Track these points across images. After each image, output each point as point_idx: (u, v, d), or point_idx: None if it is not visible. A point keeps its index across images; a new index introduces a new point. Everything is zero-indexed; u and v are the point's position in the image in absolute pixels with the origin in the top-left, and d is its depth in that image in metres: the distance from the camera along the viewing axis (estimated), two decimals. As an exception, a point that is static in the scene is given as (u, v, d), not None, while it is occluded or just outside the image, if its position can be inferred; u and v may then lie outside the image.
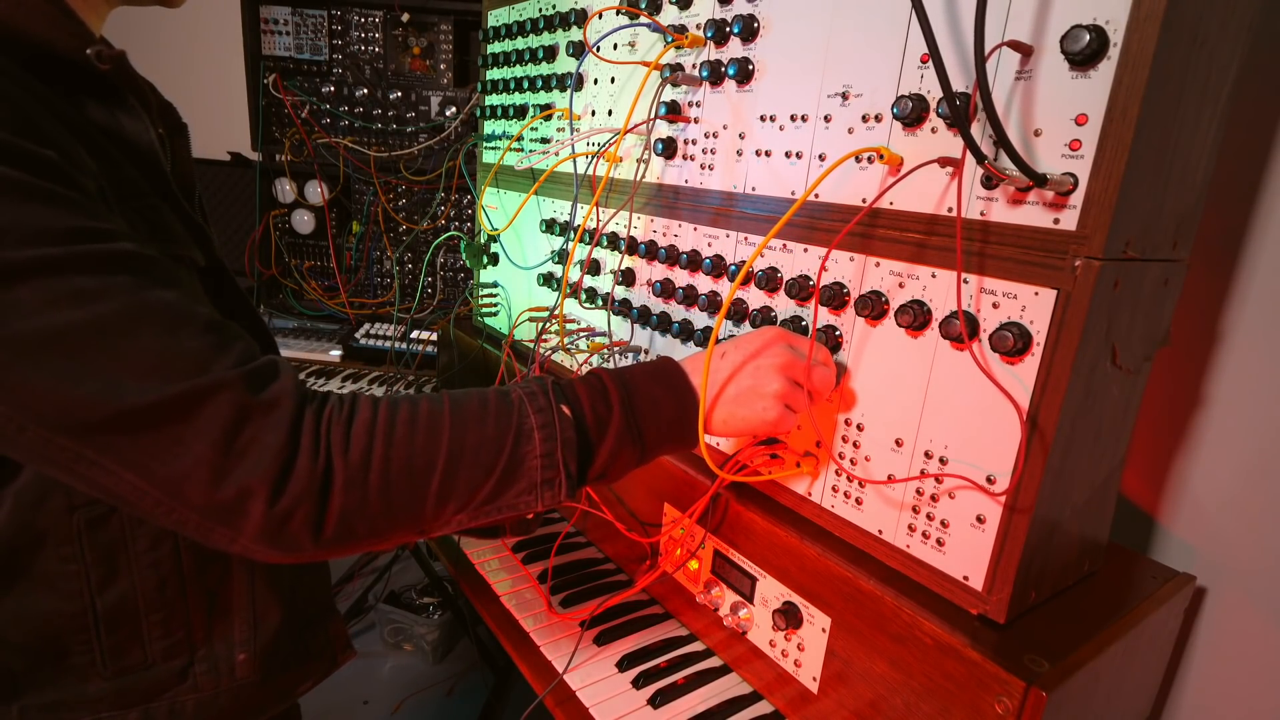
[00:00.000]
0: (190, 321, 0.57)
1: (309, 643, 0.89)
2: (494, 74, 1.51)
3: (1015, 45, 0.63)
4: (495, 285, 1.60)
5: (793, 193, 0.87)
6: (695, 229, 1.02)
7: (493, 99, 1.52)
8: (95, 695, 0.73)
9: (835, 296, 0.81)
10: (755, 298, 0.92)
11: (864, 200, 0.78)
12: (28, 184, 0.52)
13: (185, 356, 0.55)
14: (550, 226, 1.34)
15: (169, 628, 0.75)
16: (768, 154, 0.89)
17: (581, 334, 1.23)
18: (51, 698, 0.71)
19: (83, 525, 0.68)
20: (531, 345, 1.31)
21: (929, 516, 0.75)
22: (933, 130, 0.71)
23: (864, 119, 0.78)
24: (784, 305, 0.89)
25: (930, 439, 0.74)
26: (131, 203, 0.65)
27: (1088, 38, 0.58)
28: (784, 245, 0.88)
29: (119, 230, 0.57)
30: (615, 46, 1.13)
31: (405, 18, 1.94)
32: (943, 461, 0.73)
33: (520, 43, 1.40)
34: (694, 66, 0.98)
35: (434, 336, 1.88)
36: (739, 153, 0.93)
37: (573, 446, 0.66)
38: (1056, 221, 0.63)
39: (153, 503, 0.54)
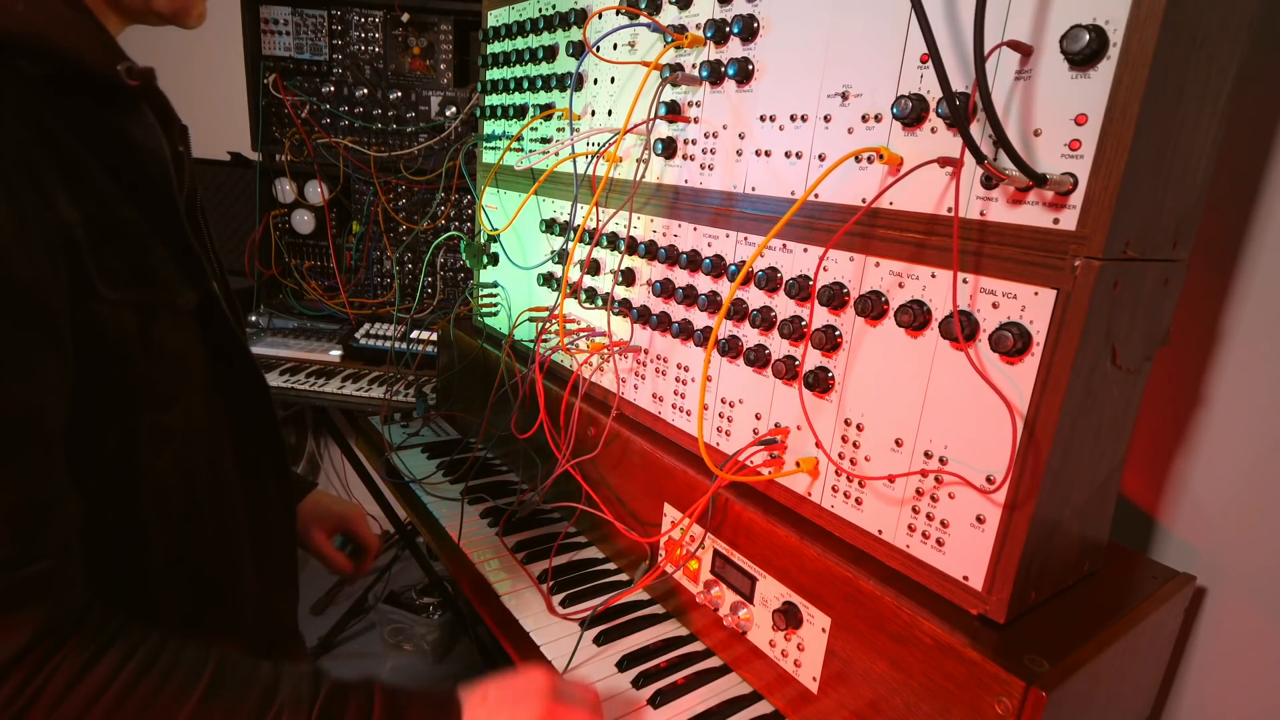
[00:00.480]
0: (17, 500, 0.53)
1: (276, 642, 0.89)
2: (494, 74, 1.51)
3: (1015, 45, 0.63)
4: (495, 285, 1.60)
5: (792, 193, 0.87)
6: (695, 229, 1.02)
7: (493, 99, 1.52)
8: None
9: (835, 296, 0.81)
10: (755, 298, 0.92)
11: (864, 200, 0.78)
12: None
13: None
14: (550, 226, 1.34)
15: (175, 587, 0.74)
16: (767, 154, 0.89)
17: (581, 334, 1.23)
18: None
19: None
20: (531, 345, 1.31)
21: (929, 516, 0.75)
22: (932, 130, 0.71)
23: (864, 119, 0.78)
24: (784, 305, 0.89)
25: (930, 439, 0.74)
26: (114, 245, 0.63)
27: (1087, 38, 0.58)
28: (784, 245, 0.88)
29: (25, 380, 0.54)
30: (615, 46, 1.13)
31: (405, 18, 1.94)
32: (942, 461, 0.73)
33: (520, 43, 1.40)
34: (694, 66, 0.98)
35: (434, 336, 1.88)
36: (739, 153, 0.93)
37: None
38: (1056, 221, 0.63)
39: None
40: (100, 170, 0.63)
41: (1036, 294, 0.64)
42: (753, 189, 0.92)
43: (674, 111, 1.01)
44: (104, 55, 0.62)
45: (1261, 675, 0.94)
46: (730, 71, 0.91)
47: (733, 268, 0.95)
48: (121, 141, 0.66)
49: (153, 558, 0.72)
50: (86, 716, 0.53)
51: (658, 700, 0.92)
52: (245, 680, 0.61)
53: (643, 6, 1.04)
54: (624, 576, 1.17)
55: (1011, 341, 0.65)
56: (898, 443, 0.77)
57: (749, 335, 0.94)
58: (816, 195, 0.83)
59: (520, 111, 1.42)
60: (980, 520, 0.71)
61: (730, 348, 0.96)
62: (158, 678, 0.57)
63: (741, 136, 0.93)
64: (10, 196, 0.52)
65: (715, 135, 0.97)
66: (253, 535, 0.84)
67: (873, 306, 0.77)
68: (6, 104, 0.55)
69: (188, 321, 0.72)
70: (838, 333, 0.82)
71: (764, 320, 0.90)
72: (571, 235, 1.26)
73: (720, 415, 1.00)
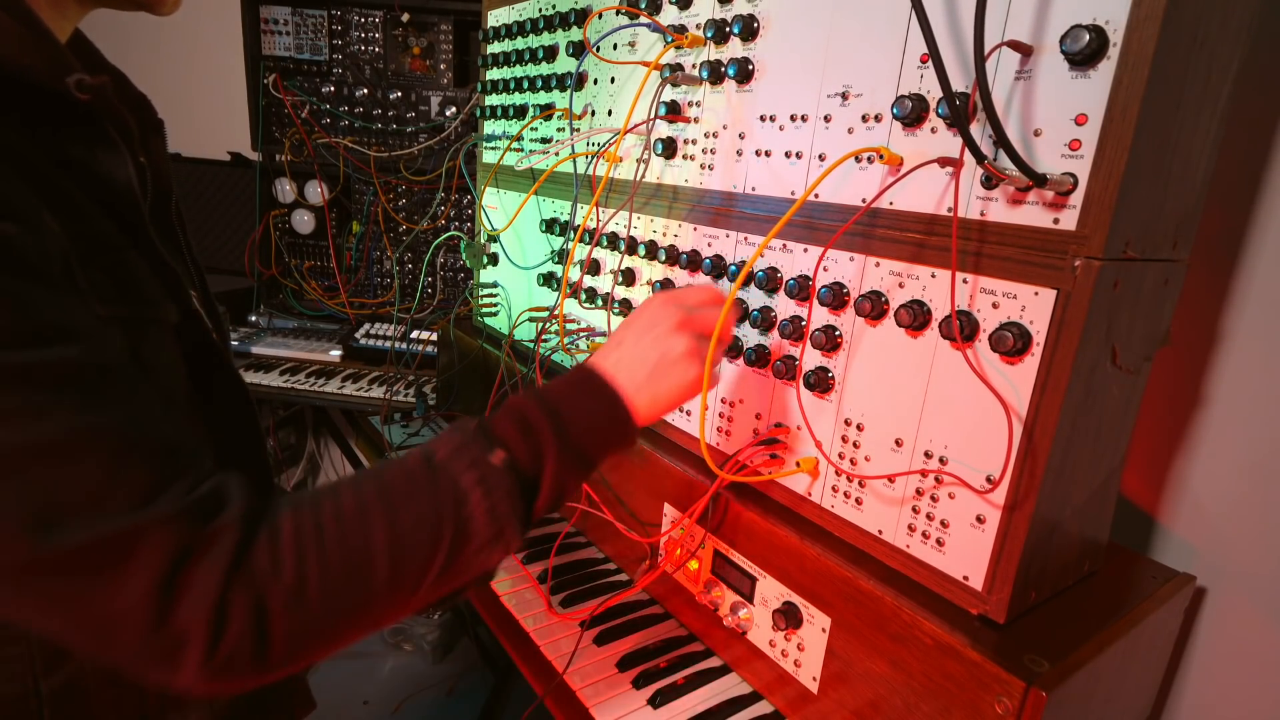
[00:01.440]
0: (139, 446, 0.52)
1: (266, 701, 0.86)
2: (494, 74, 1.51)
3: (1015, 45, 0.63)
4: (495, 285, 1.60)
5: (792, 193, 0.87)
6: (695, 229, 1.02)
7: (493, 99, 1.52)
8: None
9: (835, 296, 0.81)
10: (755, 297, 0.92)
11: (864, 200, 0.78)
12: None
13: (128, 488, 0.50)
14: (550, 226, 1.34)
15: (120, 706, 0.71)
16: (768, 154, 0.89)
17: (581, 334, 1.23)
18: None
19: None
20: (531, 345, 1.31)
21: (929, 516, 0.75)
22: (932, 130, 0.71)
23: (864, 119, 0.78)
24: (784, 305, 0.89)
25: (930, 439, 0.74)
26: (99, 260, 0.60)
27: (1088, 38, 0.58)
28: (784, 245, 0.88)
29: (77, 323, 0.53)
30: (615, 46, 1.13)
31: (405, 18, 1.94)
32: (942, 461, 0.73)
33: (520, 43, 1.40)
34: (694, 66, 0.98)
35: (434, 336, 1.88)
36: (739, 153, 0.93)
37: (515, 494, 0.62)
38: (1056, 221, 0.63)
39: (81, 643, 0.50)
40: (71, 185, 0.60)
41: (1036, 294, 0.64)
42: (753, 189, 0.92)
43: (674, 111, 1.01)
44: (50, 68, 0.57)
45: (1261, 675, 0.94)
46: (730, 71, 0.91)
47: (733, 268, 0.95)
48: (85, 157, 0.63)
49: None
50: (304, 569, 0.53)
51: (657, 700, 0.92)
52: (400, 467, 0.61)
53: (643, 6, 1.04)
54: (624, 576, 1.17)
55: (1011, 341, 0.65)
56: (898, 443, 0.77)
57: (749, 335, 0.94)
58: (816, 195, 0.83)
59: (520, 111, 1.42)
60: (980, 520, 0.71)
61: (730, 348, 0.96)
62: (331, 508, 0.57)
63: (742, 136, 0.93)
64: (3, 209, 0.51)
65: (715, 135, 0.97)
66: None
67: (873, 306, 0.77)
68: None
69: (172, 337, 0.70)
70: (838, 333, 0.82)
71: (764, 320, 0.90)
72: (571, 235, 1.26)
73: (720, 415, 1.00)
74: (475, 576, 0.63)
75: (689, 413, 1.06)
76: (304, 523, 0.55)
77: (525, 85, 1.39)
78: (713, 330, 0.74)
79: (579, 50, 1.24)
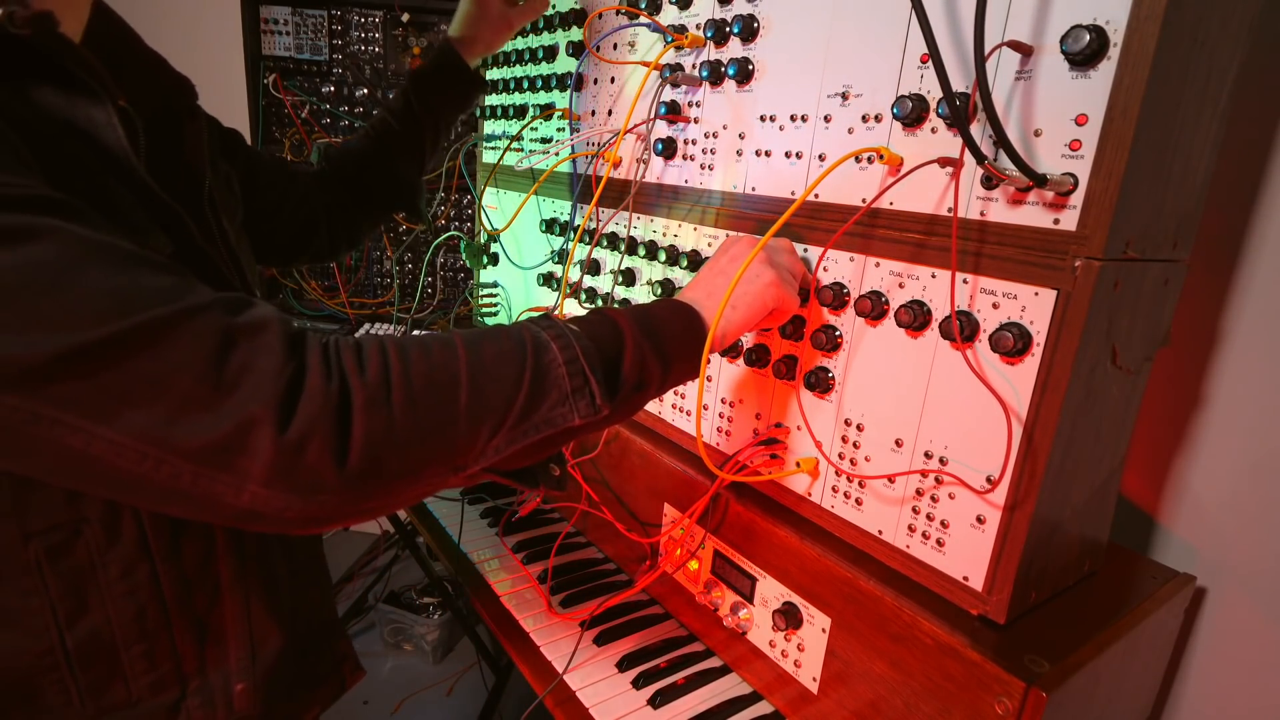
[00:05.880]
0: (145, 260, 0.49)
1: (315, 666, 0.84)
2: (494, 74, 1.51)
3: (1015, 45, 0.63)
4: (495, 285, 1.60)
5: (792, 193, 0.87)
6: (695, 229, 1.01)
7: (492, 99, 1.52)
8: None
9: (835, 296, 0.81)
10: (755, 298, 0.92)
11: (864, 200, 0.78)
12: None
13: (145, 292, 0.47)
14: (550, 226, 1.34)
15: (154, 660, 0.69)
16: (767, 154, 0.89)
17: (581, 334, 1.23)
18: None
19: (41, 555, 0.62)
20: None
21: (929, 517, 0.75)
22: (933, 130, 0.71)
23: (864, 119, 0.78)
24: (784, 305, 0.89)
25: (930, 439, 0.74)
26: (75, 185, 0.55)
27: (1088, 38, 0.58)
28: (784, 245, 0.88)
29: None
30: (615, 46, 1.13)
31: (405, 18, 1.94)
32: (943, 462, 0.73)
33: (520, 43, 1.40)
34: (694, 66, 0.98)
35: (434, 336, 1.87)
36: (739, 153, 0.93)
37: (593, 354, 0.62)
38: (1056, 222, 0.63)
39: (136, 459, 0.46)
40: (50, 128, 0.58)
41: (1037, 294, 0.64)
42: (753, 189, 0.92)
43: (674, 111, 1.01)
44: None
45: (1261, 675, 0.94)
46: (730, 71, 0.91)
47: (733, 268, 0.95)
48: (64, 105, 0.59)
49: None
50: (389, 372, 0.52)
51: (658, 700, 0.92)
52: (482, 327, 0.62)
53: (643, 6, 1.03)
54: (624, 576, 1.17)
55: (1012, 342, 0.64)
56: (898, 443, 0.77)
57: (749, 335, 0.94)
58: (816, 195, 0.83)
59: (520, 111, 1.42)
60: (980, 520, 0.71)
61: (730, 348, 0.96)
62: (414, 339, 0.56)
63: (741, 136, 0.93)
64: None
65: (715, 135, 0.97)
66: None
67: (873, 306, 0.77)
68: None
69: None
70: (838, 333, 0.82)
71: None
72: (571, 235, 1.26)
73: (720, 415, 1.00)
74: (557, 435, 0.60)
75: (689, 413, 1.06)
76: (390, 341, 0.55)
77: (525, 85, 1.39)
78: (790, 268, 0.80)
79: (579, 50, 1.24)
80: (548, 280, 1.38)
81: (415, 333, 0.59)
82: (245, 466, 0.47)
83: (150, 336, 0.46)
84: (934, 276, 0.72)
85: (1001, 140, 0.60)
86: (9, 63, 0.55)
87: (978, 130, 0.67)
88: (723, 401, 0.99)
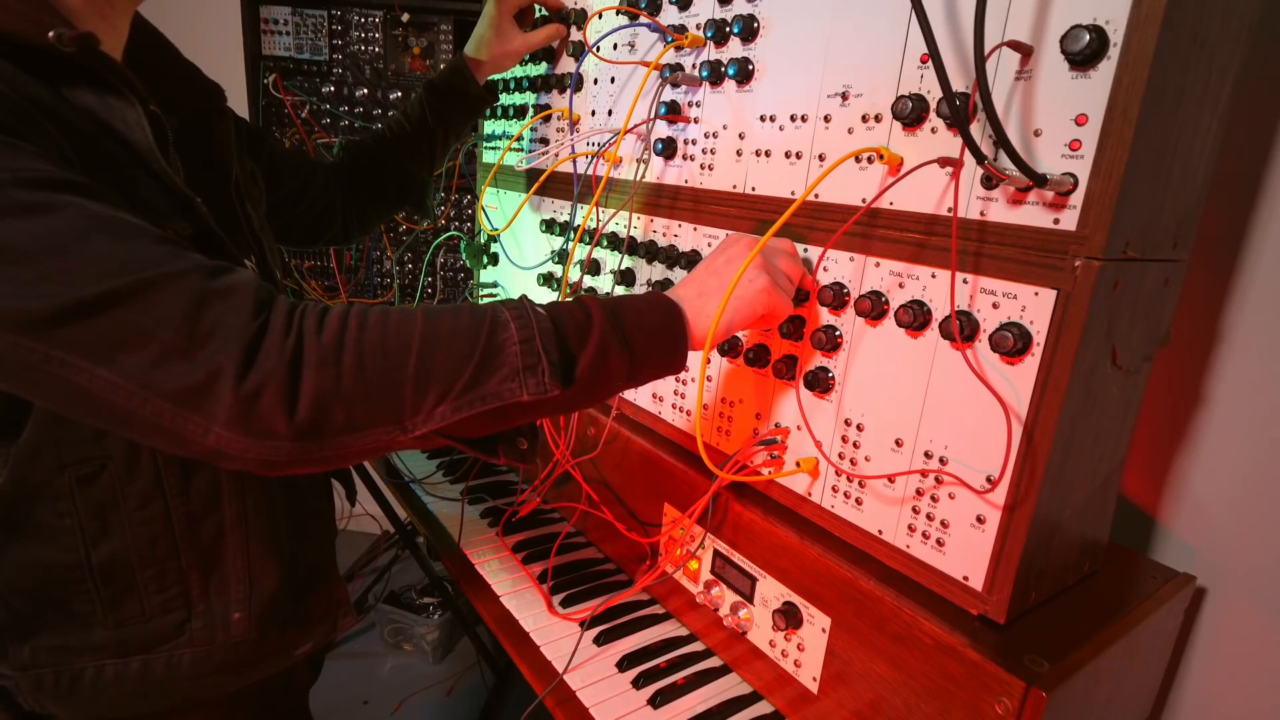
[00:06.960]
0: (145, 232, 0.58)
1: (310, 607, 0.90)
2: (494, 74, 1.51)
3: (1015, 45, 0.63)
4: (495, 285, 1.60)
5: (792, 193, 0.87)
6: (695, 229, 1.01)
7: (493, 99, 1.52)
8: (99, 642, 0.77)
9: (835, 296, 0.81)
10: (755, 298, 0.92)
11: (864, 200, 0.78)
12: None
13: (140, 258, 0.55)
14: (550, 226, 1.34)
15: (164, 583, 0.78)
16: (767, 154, 0.89)
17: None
18: (59, 641, 0.76)
19: (73, 482, 0.72)
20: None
21: (929, 517, 0.75)
22: (933, 130, 0.71)
23: (864, 119, 0.78)
24: (784, 305, 0.89)
25: (930, 439, 0.74)
26: (105, 175, 0.65)
27: (1088, 38, 0.58)
28: (784, 245, 0.88)
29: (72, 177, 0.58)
30: (615, 46, 1.13)
31: (405, 18, 1.94)
32: (943, 461, 0.73)
33: (520, 43, 1.40)
34: (694, 66, 0.98)
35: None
36: (739, 153, 0.93)
37: (551, 336, 0.65)
38: (1056, 222, 0.63)
39: (127, 396, 0.54)
40: (81, 120, 0.66)
41: (1037, 294, 0.64)
42: (753, 189, 0.92)
43: (674, 111, 1.01)
44: (29, 27, 0.61)
45: (1261, 675, 0.94)
46: (730, 71, 0.91)
47: (733, 268, 0.95)
48: (96, 103, 0.68)
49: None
50: (344, 336, 0.58)
51: (657, 700, 0.92)
52: (457, 308, 0.66)
53: (643, 6, 1.03)
54: (624, 576, 1.17)
55: (1012, 342, 0.64)
56: (898, 443, 0.77)
57: (749, 335, 0.94)
58: (816, 195, 0.83)
59: (520, 111, 1.42)
60: (980, 520, 0.71)
61: (730, 348, 0.96)
62: (378, 308, 0.62)
63: (741, 137, 0.93)
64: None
65: (715, 135, 0.97)
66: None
67: (873, 306, 0.77)
68: None
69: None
70: (838, 333, 0.82)
71: (764, 320, 0.90)
72: (571, 235, 1.26)
73: (720, 415, 1.00)
74: (508, 409, 0.64)
75: (689, 413, 1.06)
76: (353, 309, 0.61)
77: (525, 85, 1.39)
78: (786, 270, 0.80)
79: (579, 50, 1.24)
80: (548, 280, 1.38)
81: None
82: (212, 410, 0.54)
83: (139, 293, 0.54)
84: (934, 276, 0.72)
85: (1001, 140, 0.60)
86: (59, 71, 0.65)
87: (978, 130, 0.67)
88: (723, 401, 0.99)
